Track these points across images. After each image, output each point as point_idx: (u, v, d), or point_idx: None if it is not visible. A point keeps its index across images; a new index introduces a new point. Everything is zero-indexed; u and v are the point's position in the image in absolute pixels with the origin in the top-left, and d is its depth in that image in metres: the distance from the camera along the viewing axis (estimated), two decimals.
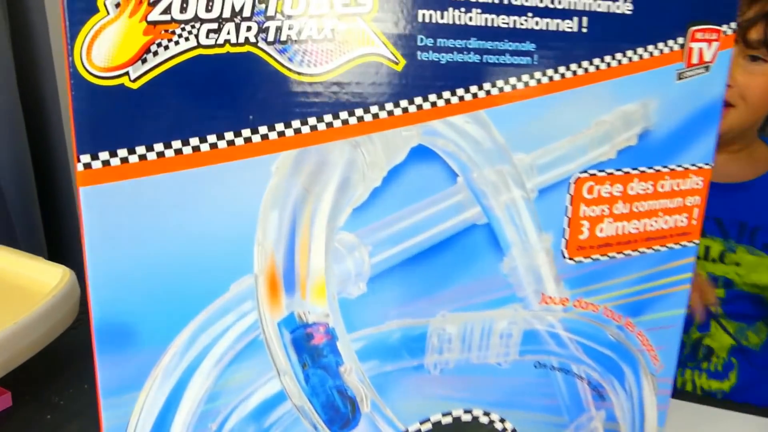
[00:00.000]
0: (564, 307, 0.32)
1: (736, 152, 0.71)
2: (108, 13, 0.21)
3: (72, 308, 0.57)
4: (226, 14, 0.22)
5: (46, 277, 0.60)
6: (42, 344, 0.54)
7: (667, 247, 0.34)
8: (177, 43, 0.22)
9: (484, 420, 0.32)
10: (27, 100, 1.19)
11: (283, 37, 0.23)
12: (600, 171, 0.30)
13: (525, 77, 0.27)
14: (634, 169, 0.31)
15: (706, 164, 0.33)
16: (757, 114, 0.66)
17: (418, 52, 0.25)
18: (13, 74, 1.15)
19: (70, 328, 0.56)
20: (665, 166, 0.32)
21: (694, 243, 0.35)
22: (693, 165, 0.33)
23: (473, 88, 0.26)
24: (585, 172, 0.30)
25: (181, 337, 0.25)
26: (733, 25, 0.31)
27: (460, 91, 0.26)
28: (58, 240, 1.26)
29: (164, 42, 0.22)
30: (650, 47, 0.29)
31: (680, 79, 0.31)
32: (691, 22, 0.30)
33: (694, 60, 0.31)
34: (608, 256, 0.32)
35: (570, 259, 0.31)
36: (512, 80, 0.27)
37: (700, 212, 0.34)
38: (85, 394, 0.54)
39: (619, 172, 0.31)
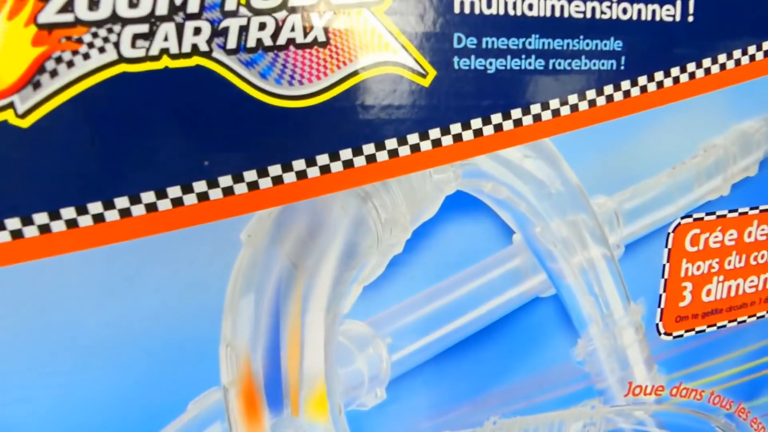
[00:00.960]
0: (658, 397, 0.23)
1: None
2: None
3: None
4: (161, 10, 0.15)
5: None
6: None
7: None
8: (87, 56, 0.14)
9: None
10: None
11: (251, 43, 0.15)
12: (708, 214, 0.22)
13: (608, 89, 0.19)
14: (753, 208, 0.23)
15: None
16: None
17: (456, 58, 0.17)
18: None
19: None
20: None
21: None
22: None
23: (535, 108, 0.18)
24: (689, 216, 0.22)
25: None
26: None
27: (516, 113, 0.18)
28: None
29: (66, 55, 0.14)
30: None
31: None
32: None
33: None
34: (717, 327, 0.24)
35: (667, 334, 0.23)
36: (590, 94, 0.19)
37: None
38: None
39: (734, 214, 0.23)
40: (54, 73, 0.14)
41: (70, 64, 0.14)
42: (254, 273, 0.17)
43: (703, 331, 0.23)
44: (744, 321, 0.24)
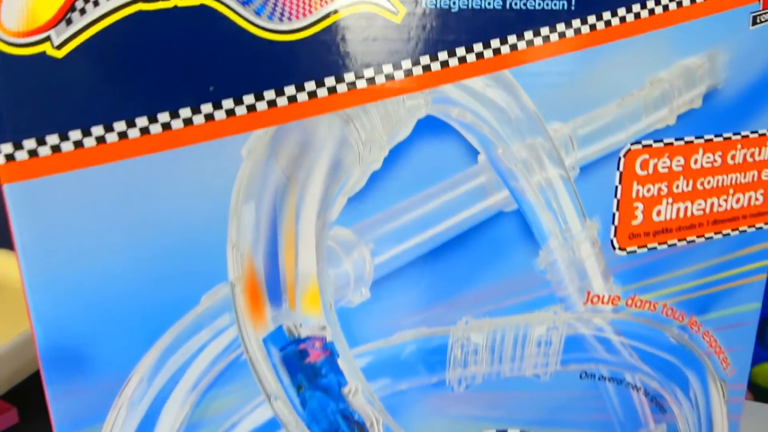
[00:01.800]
0: (615, 306, 0.27)
1: None
2: None
3: None
4: None
5: None
6: None
7: (738, 230, 0.28)
8: None
9: None
10: None
11: None
12: (656, 141, 0.25)
13: (560, 26, 0.22)
14: (698, 137, 0.26)
15: None
16: None
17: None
18: None
19: None
20: (736, 133, 0.26)
21: None
22: None
23: (495, 42, 0.21)
24: (638, 143, 0.25)
25: (145, 360, 0.21)
26: None
27: (478, 47, 0.21)
28: None
29: None
30: None
31: (755, 23, 0.25)
32: None
33: None
34: (667, 245, 0.27)
35: (621, 249, 0.26)
36: (544, 30, 0.22)
37: None
38: None
39: (680, 142, 0.25)
40: (83, 11, 0.17)
41: (96, 3, 0.17)
42: (254, 184, 0.20)
43: (655, 248, 0.26)
44: (693, 241, 0.27)
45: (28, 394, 0.52)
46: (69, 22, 0.17)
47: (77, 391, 0.21)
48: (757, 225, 0.29)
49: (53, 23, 0.17)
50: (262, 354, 0.22)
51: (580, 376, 0.27)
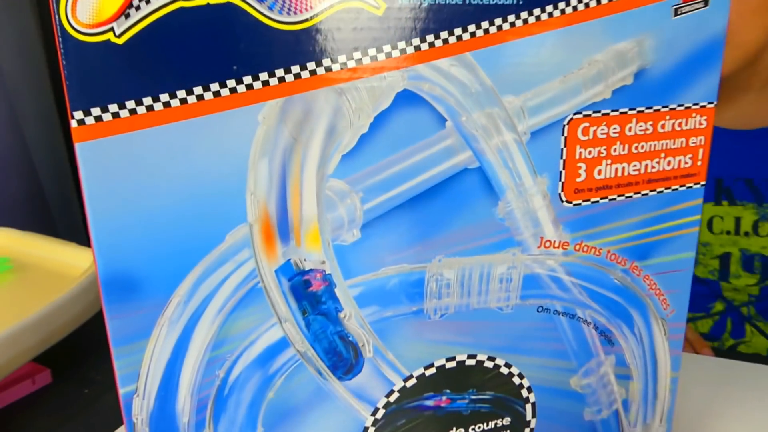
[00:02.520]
0: (564, 250, 0.32)
1: (762, 82, 0.65)
2: None
3: None
4: None
5: (79, 261, 0.63)
6: (77, 323, 0.57)
7: (671, 189, 0.34)
8: None
9: (488, 365, 0.32)
10: (60, 95, 1.23)
11: None
12: (595, 112, 0.30)
13: (511, 17, 0.27)
14: (631, 109, 0.31)
15: (710, 103, 0.33)
16: None
17: None
18: (47, 75, 1.20)
19: (99, 313, 0.59)
20: (665, 106, 0.32)
21: (700, 184, 0.34)
22: (695, 104, 0.32)
23: (457, 31, 0.26)
24: (579, 113, 0.30)
25: (182, 287, 0.26)
26: None
27: (443, 34, 0.26)
28: None
29: None
30: None
31: (677, 15, 0.30)
32: None
33: None
34: (608, 199, 0.32)
35: (568, 202, 0.31)
36: (497, 21, 0.27)
37: (705, 152, 0.34)
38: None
39: (616, 113, 0.31)
40: (138, 8, 0.23)
41: (148, 1, 0.23)
42: (267, 144, 0.25)
43: (597, 201, 0.32)
44: (631, 196, 0.33)
45: (60, 357, 0.58)
46: (127, 16, 0.23)
47: (128, 312, 0.26)
48: (687, 184, 0.34)
49: (115, 17, 0.22)
50: (275, 283, 0.27)
51: (538, 310, 0.33)
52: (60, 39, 0.22)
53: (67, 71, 0.23)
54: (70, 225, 1.26)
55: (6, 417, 0.52)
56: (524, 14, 0.27)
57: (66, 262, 0.65)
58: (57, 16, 0.22)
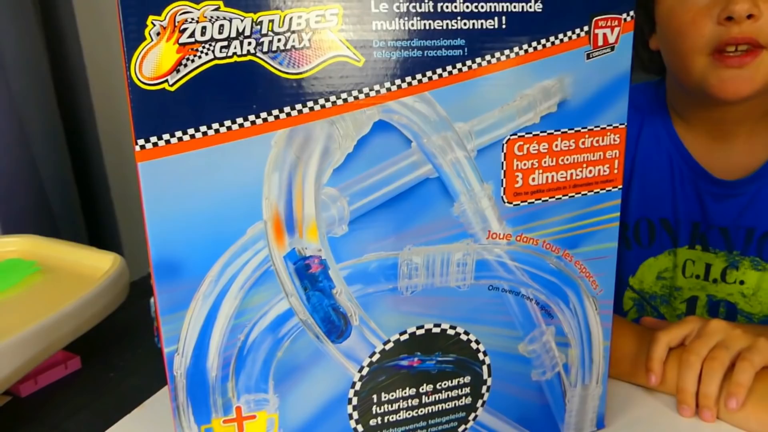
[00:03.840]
0: (508, 241, 0.41)
1: (754, 121, 0.65)
2: (152, 39, 0.31)
3: (124, 286, 0.69)
4: (233, 34, 0.32)
5: (99, 263, 0.71)
6: (102, 315, 0.65)
7: (593, 192, 0.43)
8: (200, 57, 0.31)
9: (451, 332, 0.41)
10: (66, 112, 1.32)
11: (274, 48, 0.32)
12: (528, 133, 0.39)
13: (459, 65, 0.36)
14: (556, 130, 0.40)
15: (621, 124, 0.42)
16: None
17: (374, 52, 0.34)
18: (53, 91, 1.28)
19: (121, 307, 0.67)
20: (584, 127, 0.41)
21: (617, 188, 0.43)
22: (609, 125, 0.42)
23: (418, 76, 0.35)
24: (515, 134, 0.39)
25: (213, 269, 0.35)
26: (632, 13, 0.40)
27: (408, 79, 0.35)
28: (95, 221, 1.39)
29: (191, 57, 0.31)
30: (560, 35, 0.38)
31: (589, 58, 0.40)
32: (594, 13, 0.39)
33: (600, 43, 0.40)
34: (542, 200, 0.41)
35: (509, 203, 0.40)
36: (449, 68, 0.36)
37: (620, 163, 0.43)
38: (140, 356, 0.66)
39: (544, 133, 0.40)
40: (185, 65, 0.31)
41: (192, 61, 0.31)
42: (277, 162, 0.34)
43: (533, 202, 0.41)
44: (560, 198, 0.42)
45: (89, 346, 0.66)
46: (178, 71, 0.31)
47: (172, 288, 0.34)
48: (607, 188, 0.43)
49: (169, 72, 0.31)
50: (283, 266, 0.36)
51: (489, 288, 0.41)
52: (129, 88, 0.31)
53: (133, 110, 0.31)
54: (74, 234, 1.34)
55: (43, 397, 0.60)
56: (469, 62, 0.36)
57: (88, 265, 0.73)
58: (128, 72, 0.31)
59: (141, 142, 0.32)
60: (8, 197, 1.24)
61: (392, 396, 0.41)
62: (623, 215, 0.71)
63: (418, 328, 0.40)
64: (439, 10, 0.35)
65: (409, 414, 0.42)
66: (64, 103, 1.33)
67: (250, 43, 0.32)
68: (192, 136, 0.32)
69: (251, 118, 0.33)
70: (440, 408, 0.43)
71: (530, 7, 0.37)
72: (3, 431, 0.54)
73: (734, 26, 0.55)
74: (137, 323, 0.72)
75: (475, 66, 0.36)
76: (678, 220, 0.69)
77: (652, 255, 0.71)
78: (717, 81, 0.58)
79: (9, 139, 1.23)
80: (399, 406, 0.41)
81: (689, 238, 0.69)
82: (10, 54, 1.21)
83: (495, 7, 0.36)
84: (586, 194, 0.42)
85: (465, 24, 0.36)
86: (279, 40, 0.32)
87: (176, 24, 0.31)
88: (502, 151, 0.39)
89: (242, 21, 0.32)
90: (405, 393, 0.41)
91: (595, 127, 0.41)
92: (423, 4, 0.34)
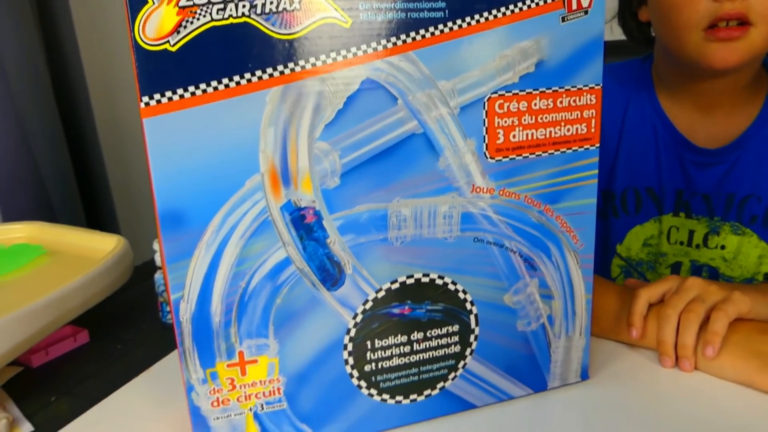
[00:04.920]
0: (491, 195, 0.43)
1: (737, 93, 0.68)
2: (154, 3, 0.33)
3: (128, 265, 0.71)
4: None
5: (102, 245, 0.74)
6: (108, 292, 0.68)
7: (572, 149, 0.45)
8: (198, 19, 0.34)
9: (439, 282, 0.44)
10: (64, 109, 1.35)
11: (267, 10, 0.35)
12: (507, 92, 0.42)
13: (440, 26, 0.39)
14: (535, 89, 0.43)
15: (597, 85, 0.44)
16: None
17: (360, 14, 0.37)
18: (49, 85, 1.31)
19: (126, 288, 0.70)
20: (561, 87, 0.43)
21: (595, 146, 0.46)
22: (585, 86, 0.44)
23: (402, 36, 0.38)
24: (495, 93, 0.42)
25: (215, 219, 0.37)
26: None
27: (393, 39, 0.38)
28: (95, 218, 1.42)
29: (190, 19, 0.34)
30: None
31: (564, 21, 0.42)
32: None
33: (573, 7, 0.42)
34: (523, 156, 0.44)
35: (491, 158, 0.43)
36: (431, 29, 0.39)
37: (597, 122, 0.46)
38: (146, 331, 0.68)
39: (523, 92, 0.42)
40: (185, 27, 0.34)
41: (191, 22, 0.34)
42: (272, 117, 0.37)
43: (514, 158, 0.43)
44: (540, 155, 0.44)
45: (96, 320, 0.68)
46: (178, 32, 0.34)
47: (177, 237, 0.37)
48: (584, 146, 0.46)
49: (170, 33, 0.34)
50: (280, 217, 0.38)
51: (474, 240, 0.44)
52: (133, 48, 0.33)
53: (138, 69, 0.34)
54: (74, 225, 1.37)
55: (54, 368, 0.63)
56: (450, 23, 0.39)
57: (91, 247, 0.76)
58: (132, 33, 0.33)
59: (146, 99, 0.34)
60: (9, 191, 1.27)
61: (385, 343, 0.43)
62: (611, 185, 0.74)
63: (408, 277, 0.43)
64: None
65: (401, 360, 0.44)
66: (62, 100, 1.36)
67: (244, 6, 0.35)
68: (192, 94, 0.35)
69: (247, 76, 0.36)
70: (431, 355, 0.45)
71: None
72: (17, 397, 0.57)
73: (727, 2, 0.58)
74: (142, 303, 0.75)
75: (456, 27, 0.39)
76: (663, 189, 0.72)
77: (639, 223, 0.74)
78: (709, 52, 0.61)
79: (9, 136, 1.26)
80: (392, 352, 0.44)
81: (673, 205, 0.72)
82: (10, 54, 1.24)
83: None
84: (564, 151, 0.45)
85: None
86: (271, 3, 0.35)
87: None
88: (484, 108, 0.41)
89: None
90: (397, 340, 0.44)
91: (572, 87, 0.44)
92: None
